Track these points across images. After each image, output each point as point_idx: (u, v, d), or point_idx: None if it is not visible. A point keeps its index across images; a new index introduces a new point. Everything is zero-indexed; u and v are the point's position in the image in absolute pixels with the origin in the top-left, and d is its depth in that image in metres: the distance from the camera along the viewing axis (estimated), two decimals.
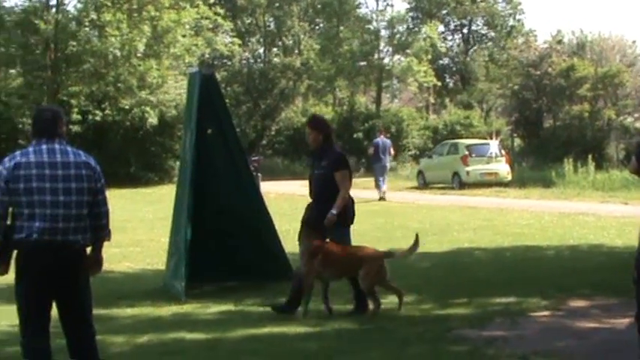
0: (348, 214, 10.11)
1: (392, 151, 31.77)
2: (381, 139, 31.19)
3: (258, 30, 61.12)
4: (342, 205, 9.89)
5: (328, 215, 9.79)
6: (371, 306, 10.14)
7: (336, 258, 10.00)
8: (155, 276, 13.39)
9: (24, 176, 6.48)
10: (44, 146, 6.64)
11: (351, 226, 10.23)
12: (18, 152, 6.67)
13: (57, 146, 6.67)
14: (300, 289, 10.07)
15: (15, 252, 6.60)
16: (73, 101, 41.82)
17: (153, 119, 41.78)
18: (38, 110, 7.28)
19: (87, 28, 41.44)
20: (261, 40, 61.21)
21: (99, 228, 6.79)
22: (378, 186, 30.01)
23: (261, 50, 61.40)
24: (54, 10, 42.65)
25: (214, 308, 10.68)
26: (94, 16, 41.22)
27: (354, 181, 11.28)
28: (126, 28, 40.71)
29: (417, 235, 10.32)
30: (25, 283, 6.58)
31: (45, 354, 6.68)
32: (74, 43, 41.40)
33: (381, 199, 29.30)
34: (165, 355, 8.33)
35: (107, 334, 8.70)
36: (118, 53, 40.75)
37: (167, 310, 10.56)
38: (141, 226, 20.62)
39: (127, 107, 42.27)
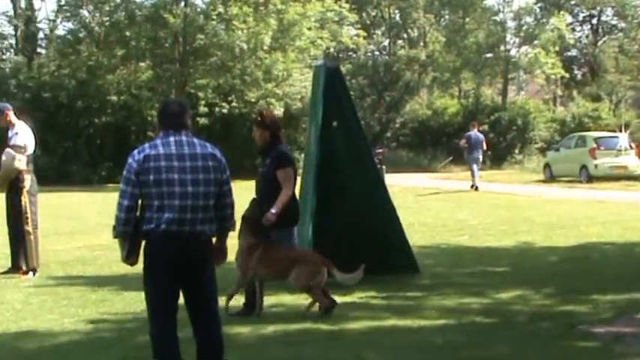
0: (288, 214, 9.72)
1: (485, 146, 31.85)
2: (474, 133, 31.48)
3: (383, 22, 61.02)
4: (282, 205, 9.56)
5: (267, 214, 9.50)
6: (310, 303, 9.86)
7: (273, 258, 9.68)
8: None
9: (154, 168, 6.58)
10: (172, 138, 6.72)
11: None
12: (146, 144, 6.78)
13: (184, 138, 6.75)
14: (253, 289, 9.88)
15: (143, 243, 6.72)
16: (201, 94, 42.55)
17: (278, 112, 42.19)
18: (165, 103, 7.41)
19: (214, 22, 42.02)
20: (387, 32, 61.07)
21: (224, 219, 6.87)
22: (473, 175, 30.54)
23: (386, 42, 61.25)
24: (183, 4, 43.40)
25: (337, 299, 10.71)
26: (221, 9, 41.78)
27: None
28: (252, 22, 41.15)
29: (363, 266, 9.99)
30: (154, 273, 6.71)
31: (172, 343, 6.78)
32: (202, 37, 42.11)
33: (474, 187, 29.91)
34: (290, 346, 8.39)
35: (232, 324, 8.82)
36: (245, 46, 41.23)
37: (290, 301, 10.63)
38: None
39: (252, 100, 42.81)
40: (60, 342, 8.60)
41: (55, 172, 38.13)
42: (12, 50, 49.78)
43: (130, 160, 6.66)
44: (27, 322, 9.43)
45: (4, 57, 49.69)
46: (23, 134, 12.91)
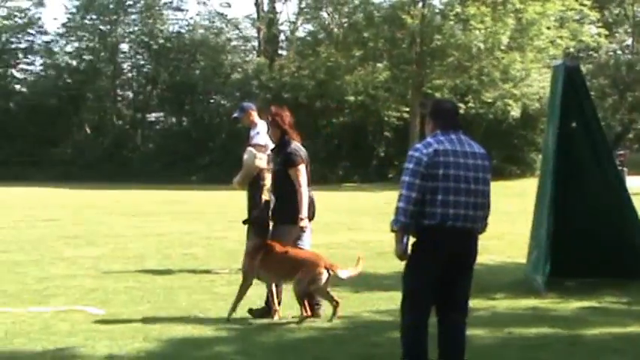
0: (291, 211, 9.64)
1: None
2: None
3: (626, 20, 58.97)
4: (304, 205, 9.58)
5: (300, 223, 9.54)
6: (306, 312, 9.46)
7: (276, 260, 9.47)
8: (515, 269, 13.31)
9: (443, 163, 6.70)
10: (453, 136, 6.86)
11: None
12: (430, 139, 6.85)
13: (462, 137, 6.92)
14: (270, 290, 9.68)
15: (416, 237, 6.81)
16: (437, 94, 42.54)
17: (515, 112, 41.62)
18: (439, 102, 7.78)
19: (451, 22, 41.92)
20: (629, 30, 58.97)
21: (484, 218, 6.98)
22: None
23: (629, 41, 59.16)
24: (420, 4, 43.53)
25: (575, 304, 10.45)
26: (458, 9, 41.64)
27: None
28: (490, 21, 40.77)
29: (358, 258, 9.79)
30: (425, 268, 6.79)
31: (423, 340, 6.87)
32: (439, 37, 42.08)
33: None
34: (528, 350, 8.24)
35: (468, 325, 8.77)
36: (482, 46, 40.91)
37: (526, 304, 10.45)
38: (502, 219, 20.56)
39: (489, 100, 42.41)
40: (296, 337, 8.80)
41: None
42: (254, 52, 51.51)
43: (417, 153, 6.75)
44: (268, 317, 9.70)
45: (247, 58, 51.51)
46: (264, 134, 13.30)
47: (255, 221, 9.84)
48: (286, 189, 9.68)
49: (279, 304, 9.70)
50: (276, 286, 9.72)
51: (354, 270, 9.71)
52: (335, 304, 9.48)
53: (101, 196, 33.46)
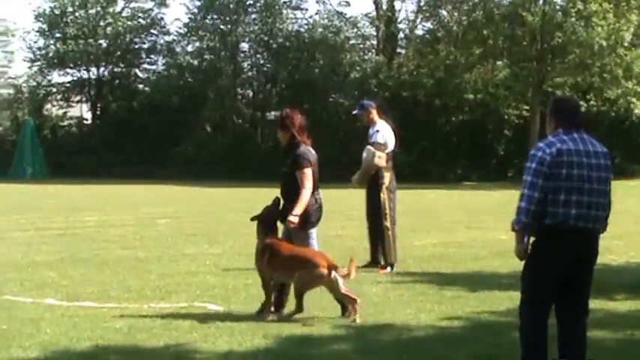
0: (306, 216, 9.60)
1: None
2: None
3: None
4: (302, 206, 9.52)
5: (289, 218, 9.49)
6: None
7: (282, 259, 9.49)
8: (638, 269, 13.06)
9: (567, 162, 6.64)
10: (575, 135, 6.77)
11: None
12: (553, 138, 6.77)
13: (584, 136, 6.82)
14: (281, 289, 9.70)
15: (537, 237, 6.74)
16: (558, 92, 41.84)
17: (639, 110, 40.66)
18: (561, 100, 7.79)
19: (573, 19, 41.15)
20: None
21: (605, 218, 6.88)
22: None
23: None
24: (541, 1, 42.88)
25: None
26: (580, 6, 40.85)
27: None
28: (612, 18, 39.93)
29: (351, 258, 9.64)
30: (547, 269, 6.73)
31: (542, 342, 6.81)
32: (560, 34, 41.38)
33: None
34: None
35: (588, 326, 8.59)
36: (604, 43, 40.06)
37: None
38: (624, 219, 20.11)
39: (612, 98, 41.52)
40: (415, 336, 8.78)
41: (412, 169, 38.96)
42: (373, 50, 51.51)
43: (539, 153, 6.69)
44: (385, 316, 9.69)
45: (365, 57, 51.53)
46: (384, 132, 13.30)
47: (264, 220, 9.82)
48: (294, 192, 9.68)
49: (283, 303, 9.73)
50: (282, 285, 9.76)
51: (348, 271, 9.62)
52: (353, 304, 9.44)
53: (221, 193, 33.95)
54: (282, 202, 9.86)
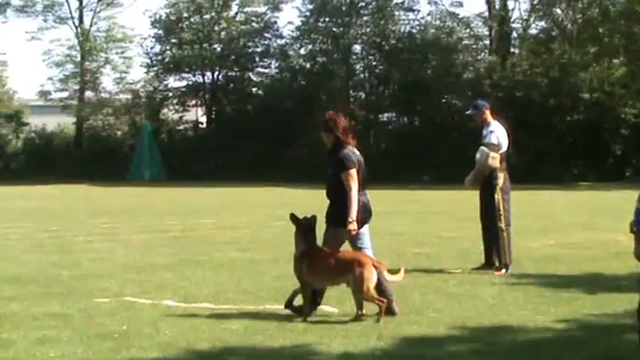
0: (341, 214, 9.66)
1: None
2: None
3: None
4: (353, 208, 9.64)
5: (348, 227, 9.62)
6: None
7: (323, 264, 9.62)
8: None
9: None
10: None
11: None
12: None
13: None
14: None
15: None
16: None
17: None
18: None
19: None
20: None
21: None
22: None
23: None
24: None
25: None
26: None
27: None
28: None
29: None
30: None
31: None
32: None
33: None
34: None
35: None
36: None
37: None
38: None
39: None
40: (532, 338, 8.69)
41: (526, 170, 38.48)
42: (486, 50, 51.06)
43: None
44: (500, 317, 9.62)
45: (478, 57, 51.13)
46: (497, 133, 13.20)
47: (303, 227, 9.96)
48: (339, 193, 9.80)
49: (316, 305, 9.84)
50: (321, 289, 9.89)
51: (398, 276, 9.82)
52: (380, 305, 9.45)
53: None
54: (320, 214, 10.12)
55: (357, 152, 10.08)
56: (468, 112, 13.78)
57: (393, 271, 9.88)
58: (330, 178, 10.07)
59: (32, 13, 58.86)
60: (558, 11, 48.15)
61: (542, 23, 49.96)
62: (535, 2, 48.97)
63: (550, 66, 45.06)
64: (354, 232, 9.72)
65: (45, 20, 59.17)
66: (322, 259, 9.71)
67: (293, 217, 10.09)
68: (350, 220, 9.65)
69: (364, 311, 9.50)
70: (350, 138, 10.06)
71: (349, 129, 10.13)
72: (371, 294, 9.48)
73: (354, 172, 9.82)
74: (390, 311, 9.63)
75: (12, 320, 9.57)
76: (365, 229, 10.09)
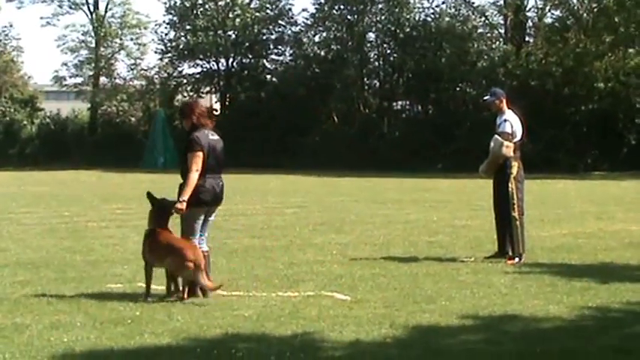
0: (193, 199, 10.02)
1: None
2: None
3: None
4: (187, 188, 9.97)
5: (176, 205, 10.01)
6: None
7: (157, 244, 10.11)
8: None
9: None
10: None
11: None
12: None
13: None
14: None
15: None
16: None
17: None
18: None
19: None
20: None
21: None
22: None
23: None
24: None
25: None
26: None
27: None
28: None
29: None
30: None
31: None
32: None
33: None
34: None
35: None
36: None
37: None
38: None
39: None
40: (543, 327, 8.69)
41: (540, 159, 38.35)
42: (501, 39, 50.88)
43: None
44: (512, 306, 9.61)
45: (493, 46, 50.97)
46: (511, 121, 13.17)
47: (157, 207, 10.38)
48: (185, 174, 10.14)
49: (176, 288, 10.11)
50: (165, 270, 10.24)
51: (210, 284, 10.00)
52: (181, 295, 9.96)
53: (347, 183, 34.11)
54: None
55: (215, 136, 10.43)
56: (485, 98, 13.71)
57: (215, 282, 10.17)
58: (182, 159, 10.39)
59: None
60: (574, 0, 47.95)
61: (558, 12, 49.75)
62: None
63: (565, 55, 44.89)
64: (182, 212, 10.06)
65: (60, 6, 59.33)
66: (159, 241, 10.16)
67: (150, 196, 10.50)
68: (181, 199, 10.01)
69: (184, 295, 9.93)
70: (208, 121, 10.44)
71: (206, 114, 10.49)
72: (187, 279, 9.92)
73: (199, 154, 10.11)
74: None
75: (26, 305, 9.63)
76: (212, 216, 10.54)
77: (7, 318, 8.99)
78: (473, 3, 51.59)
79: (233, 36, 55.97)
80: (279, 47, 56.68)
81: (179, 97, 56.76)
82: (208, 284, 9.95)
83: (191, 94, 56.21)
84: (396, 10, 51.73)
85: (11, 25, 71.05)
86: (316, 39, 55.00)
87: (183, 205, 9.99)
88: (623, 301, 9.81)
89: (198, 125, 10.28)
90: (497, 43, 51.22)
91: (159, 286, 10.34)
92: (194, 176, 10.04)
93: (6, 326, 8.63)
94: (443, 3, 52.31)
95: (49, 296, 10.06)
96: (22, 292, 10.42)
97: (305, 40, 55.14)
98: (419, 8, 52.77)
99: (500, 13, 50.78)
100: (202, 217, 10.31)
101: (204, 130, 10.28)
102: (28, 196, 26.97)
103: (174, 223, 10.47)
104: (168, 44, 56.92)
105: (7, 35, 57.82)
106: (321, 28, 54.48)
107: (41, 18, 75.40)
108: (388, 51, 53.19)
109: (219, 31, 55.32)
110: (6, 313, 9.20)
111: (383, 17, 52.74)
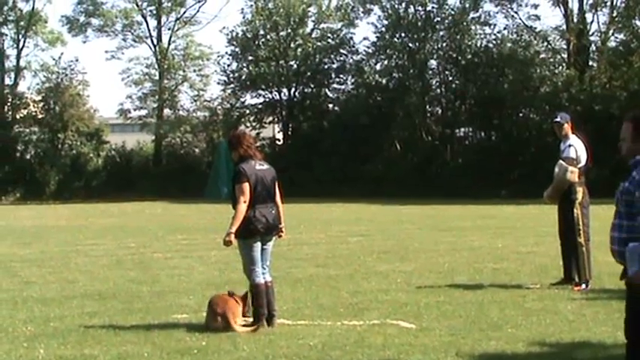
0: (244, 230, 10.06)
1: None
2: None
3: None
4: (235, 220, 10.02)
5: (224, 237, 10.08)
6: None
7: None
8: None
9: None
10: None
11: None
12: None
13: None
14: None
15: None
16: None
17: None
18: None
19: None
20: None
21: None
22: None
23: None
24: None
25: None
26: None
27: None
28: None
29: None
30: None
31: None
32: None
33: None
34: None
35: None
36: None
37: None
38: None
39: None
40: (612, 354, 8.57)
41: (606, 184, 37.79)
42: (564, 64, 50.49)
43: None
44: (580, 333, 9.51)
45: (556, 71, 50.57)
46: (576, 147, 13.06)
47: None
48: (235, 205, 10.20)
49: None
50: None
51: (241, 328, 10.08)
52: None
53: (411, 211, 34.01)
54: None
55: (264, 166, 10.51)
56: (556, 120, 13.53)
57: (249, 324, 10.18)
58: (233, 191, 10.41)
59: (111, 33, 59.82)
60: (638, 23, 47.46)
61: (622, 35, 49.26)
62: (614, 14, 48.34)
63: (629, 79, 44.40)
64: (230, 244, 10.13)
65: (124, 39, 60.14)
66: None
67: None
68: (229, 231, 10.05)
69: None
70: (256, 152, 10.57)
71: (252, 144, 10.57)
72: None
73: (245, 185, 10.13)
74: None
75: (94, 336, 9.73)
76: (268, 245, 10.47)
77: (75, 349, 9.10)
78: (535, 28, 51.32)
79: (295, 66, 56.28)
80: (341, 76, 56.87)
81: (242, 127, 57.12)
82: (240, 330, 9.97)
83: (254, 124, 56.55)
84: (458, 37, 51.65)
85: (77, 60, 71.77)
86: (378, 67, 55.06)
87: (231, 237, 10.07)
88: None
89: (246, 157, 10.36)
90: (560, 67, 50.82)
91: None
92: (242, 208, 10.10)
93: (75, 357, 8.74)
94: (505, 29, 52.14)
95: (117, 327, 10.17)
96: (90, 323, 10.54)
97: (366, 68, 55.21)
98: (480, 34, 52.65)
99: (562, 37, 50.42)
100: (259, 247, 10.32)
101: (252, 160, 10.35)
102: (95, 228, 27.30)
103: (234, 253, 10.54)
104: (231, 75, 57.40)
105: (72, 69, 58.57)
106: (382, 57, 54.54)
107: (106, 52, 76.58)
108: (450, 78, 53.08)
109: (281, 61, 55.67)
110: (75, 344, 9.31)
111: (444, 44, 52.68)
